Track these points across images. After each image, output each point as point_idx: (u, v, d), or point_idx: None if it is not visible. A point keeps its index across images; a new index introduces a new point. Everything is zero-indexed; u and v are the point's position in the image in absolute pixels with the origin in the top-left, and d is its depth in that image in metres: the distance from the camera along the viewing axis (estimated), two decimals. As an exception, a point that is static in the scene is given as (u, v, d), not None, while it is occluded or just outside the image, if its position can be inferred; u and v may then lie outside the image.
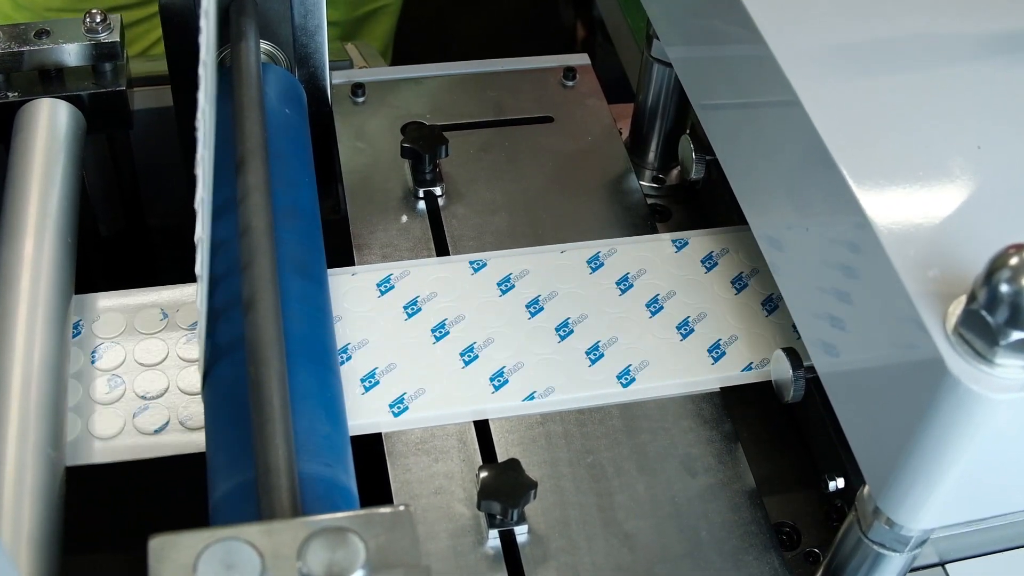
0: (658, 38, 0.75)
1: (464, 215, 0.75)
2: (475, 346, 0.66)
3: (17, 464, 0.54)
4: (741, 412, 0.67)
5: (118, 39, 0.74)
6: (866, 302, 0.51)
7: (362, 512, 0.43)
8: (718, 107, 0.66)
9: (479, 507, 0.58)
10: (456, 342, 0.66)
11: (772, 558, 0.59)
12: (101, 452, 0.61)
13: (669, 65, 0.76)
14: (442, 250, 0.73)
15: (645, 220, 0.76)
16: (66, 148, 0.71)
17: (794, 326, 0.68)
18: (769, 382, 0.65)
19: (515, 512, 0.58)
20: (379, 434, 0.63)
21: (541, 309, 0.69)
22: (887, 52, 0.58)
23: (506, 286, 0.70)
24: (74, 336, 0.66)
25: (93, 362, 0.65)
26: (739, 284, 0.71)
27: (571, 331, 0.68)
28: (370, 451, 0.62)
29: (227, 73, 0.68)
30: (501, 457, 0.62)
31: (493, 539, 0.59)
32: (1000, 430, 0.45)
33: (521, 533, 0.59)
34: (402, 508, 0.43)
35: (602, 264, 0.71)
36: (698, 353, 0.67)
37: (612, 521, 0.60)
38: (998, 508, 0.52)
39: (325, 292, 0.64)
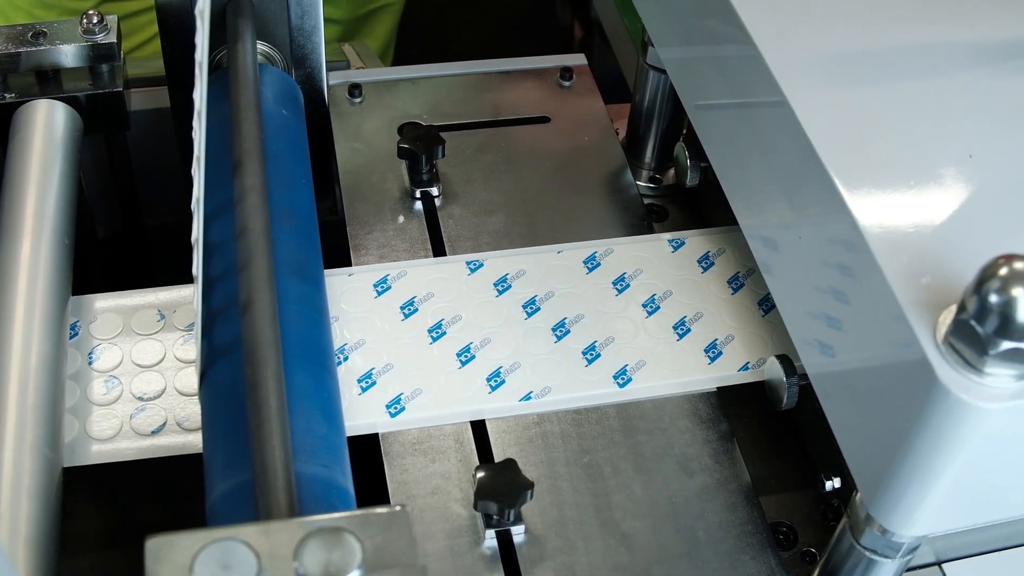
0: (653, 45, 0.75)
1: (461, 215, 0.75)
2: (472, 346, 0.66)
3: (14, 465, 0.54)
4: (738, 412, 0.67)
5: (115, 40, 0.74)
6: (857, 310, 0.51)
7: (358, 512, 0.43)
8: (711, 114, 0.66)
9: (476, 507, 0.58)
10: (453, 342, 0.67)
11: (769, 558, 0.59)
12: (98, 453, 0.61)
13: (664, 71, 0.77)
14: (439, 251, 0.73)
15: (642, 220, 0.76)
16: (63, 149, 0.71)
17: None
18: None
19: (512, 512, 0.58)
20: (376, 435, 0.63)
21: (538, 309, 0.69)
22: (879, 60, 0.58)
23: (503, 286, 0.70)
24: (71, 337, 0.66)
25: (90, 363, 0.65)
26: (735, 284, 0.71)
27: (568, 331, 0.68)
28: (367, 451, 0.62)
29: (224, 74, 0.68)
30: (498, 457, 0.62)
31: (490, 539, 0.59)
32: (990, 439, 0.46)
33: (518, 533, 0.59)
34: (399, 508, 0.43)
35: (599, 264, 0.71)
36: (695, 353, 0.67)
37: (609, 521, 0.60)
38: (989, 515, 0.52)
39: (322, 293, 0.64)
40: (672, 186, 0.82)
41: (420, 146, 0.75)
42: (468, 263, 0.71)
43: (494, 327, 0.67)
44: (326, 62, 0.77)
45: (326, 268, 0.67)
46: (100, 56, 0.74)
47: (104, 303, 0.68)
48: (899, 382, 0.48)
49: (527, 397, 0.64)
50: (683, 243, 0.73)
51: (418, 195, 0.76)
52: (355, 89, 0.83)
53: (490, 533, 0.59)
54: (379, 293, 0.69)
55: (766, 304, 0.70)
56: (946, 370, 0.45)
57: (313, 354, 0.59)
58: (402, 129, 0.79)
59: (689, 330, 0.68)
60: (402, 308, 0.68)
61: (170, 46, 0.74)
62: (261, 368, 0.51)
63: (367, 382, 0.64)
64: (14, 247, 0.63)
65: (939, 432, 0.46)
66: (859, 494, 0.53)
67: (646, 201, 0.80)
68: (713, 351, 0.67)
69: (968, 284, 0.44)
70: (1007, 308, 0.43)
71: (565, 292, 0.70)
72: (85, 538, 0.69)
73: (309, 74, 0.77)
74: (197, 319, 0.55)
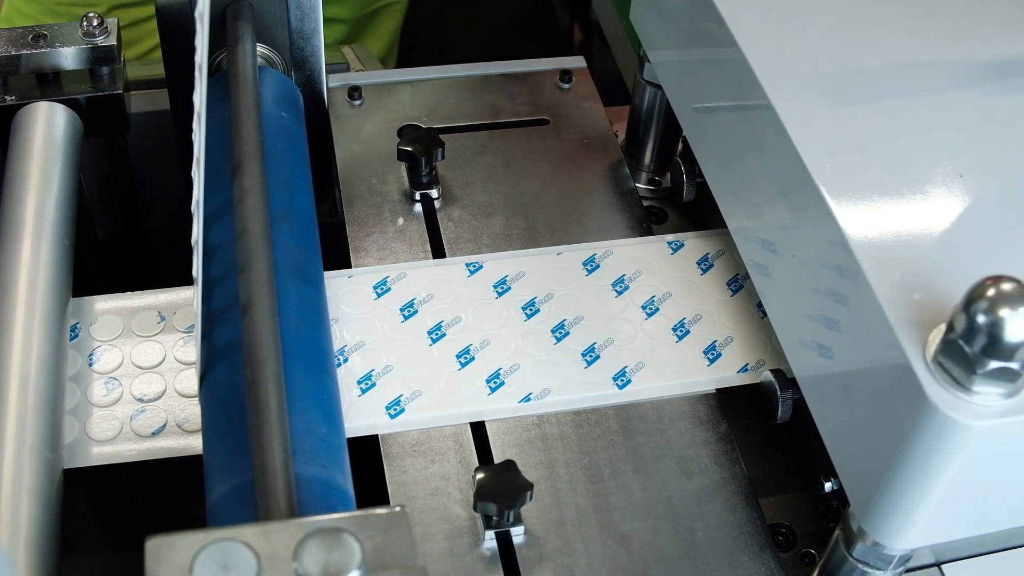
0: (649, 61, 0.76)
1: (460, 217, 0.75)
2: (471, 348, 0.66)
3: (15, 466, 0.54)
4: (737, 413, 0.67)
5: (115, 43, 0.74)
6: (847, 328, 0.52)
7: (358, 513, 0.43)
8: (705, 128, 0.67)
9: (475, 508, 0.58)
10: (452, 344, 0.67)
11: (768, 559, 0.59)
12: (98, 455, 0.61)
13: (661, 87, 0.77)
14: (438, 252, 0.73)
15: (641, 222, 0.76)
16: (63, 151, 0.71)
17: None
18: (757, 385, 0.65)
19: (511, 513, 0.58)
20: (376, 436, 0.63)
21: (537, 311, 0.69)
22: (870, 77, 0.59)
23: (502, 288, 0.70)
24: (71, 339, 0.66)
25: (90, 365, 0.65)
26: (735, 286, 0.71)
27: (567, 333, 0.68)
28: (367, 453, 0.62)
29: (224, 76, 0.68)
30: (497, 458, 0.62)
31: (489, 540, 0.59)
32: (978, 455, 0.47)
33: (517, 534, 0.59)
34: (398, 509, 0.43)
35: (598, 266, 0.71)
36: (694, 355, 0.67)
37: (608, 522, 0.60)
38: (978, 529, 0.53)
39: (322, 295, 0.64)
40: (671, 188, 0.83)
41: (419, 148, 0.75)
42: (468, 265, 0.71)
43: (493, 329, 0.68)
44: (326, 65, 0.78)
45: (326, 270, 0.67)
46: (100, 59, 0.74)
47: (104, 305, 0.68)
48: (889, 399, 0.48)
49: (526, 399, 0.64)
50: (682, 245, 0.73)
51: (417, 197, 0.76)
52: (355, 91, 0.83)
53: (490, 534, 0.59)
54: (379, 295, 0.69)
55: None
56: (935, 388, 0.46)
57: (313, 355, 0.59)
58: (401, 131, 0.80)
59: (688, 332, 0.68)
60: (402, 310, 0.68)
61: (170, 49, 0.74)
62: (261, 369, 0.51)
63: (367, 383, 0.64)
64: (14, 249, 0.64)
65: (928, 449, 0.47)
66: (851, 507, 0.54)
67: (645, 203, 0.80)
68: (712, 353, 0.67)
69: (956, 305, 0.45)
70: (994, 328, 0.44)
71: (564, 294, 0.70)
72: (85, 539, 0.69)
73: (309, 76, 0.77)
74: (197, 321, 0.55)
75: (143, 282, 0.71)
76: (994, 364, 0.44)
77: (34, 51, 0.73)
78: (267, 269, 0.55)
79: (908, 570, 0.58)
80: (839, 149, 0.55)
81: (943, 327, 0.46)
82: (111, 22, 0.75)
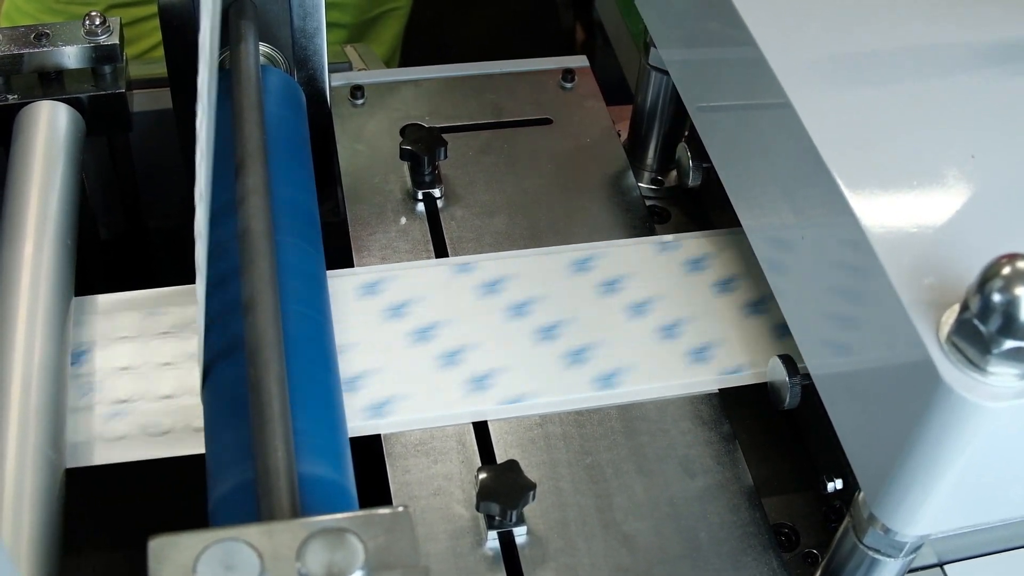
0: (655, 46, 0.75)
1: (463, 217, 0.75)
2: (459, 350, 0.66)
3: (17, 466, 0.54)
4: (740, 413, 0.67)
5: (117, 42, 0.74)
6: (861, 310, 0.52)
7: (361, 513, 0.43)
8: (714, 114, 0.66)
9: (478, 508, 0.58)
10: (440, 345, 0.66)
11: (771, 559, 0.59)
12: (101, 454, 0.61)
13: (666, 72, 0.77)
14: (441, 252, 0.73)
15: (644, 222, 0.76)
16: (66, 150, 0.71)
17: (777, 329, 0.68)
18: (765, 384, 0.65)
19: (514, 513, 0.58)
20: (378, 435, 0.63)
21: (525, 313, 0.68)
22: (882, 61, 0.58)
23: (490, 289, 0.69)
24: (75, 356, 0.65)
25: (93, 364, 0.65)
26: (724, 288, 0.71)
27: (555, 335, 0.67)
28: (369, 452, 0.62)
29: (226, 75, 0.68)
30: (500, 458, 0.62)
31: (492, 540, 0.59)
32: (993, 438, 0.46)
33: (520, 534, 0.59)
34: (401, 509, 0.43)
35: (587, 268, 0.71)
36: (682, 357, 0.67)
37: (611, 522, 0.60)
38: (992, 515, 0.52)
39: (324, 294, 0.64)
40: (674, 187, 0.83)
41: (422, 147, 0.75)
42: (457, 266, 0.71)
43: (481, 330, 0.67)
44: (328, 64, 0.78)
45: (328, 269, 0.67)
46: (103, 57, 0.74)
47: (107, 304, 0.68)
48: (902, 381, 0.48)
49: (511, 401, 0.64)
50: (672, 246, 0.73)
51: (420, 196, 0.76)
52: (357, 91, 0.83)
53: (492, 534, 0.59)
54: (367, 296, 0.68)
55: (753, 308, 0.70)
56: (949, 369, 0.45)
57: (316, 355, 0.59)
58: (404, 130, 0.79)
59: (676, 334, 0.68)
60: (390, 311, 0.68)
61: (172, 47, 0.74)
62: (264, 369, 0.51)
63: (353, 385, 0.64)
64: (17, 248, 0.64)
65: (942, 431, 0.46)
66: (862, 493, 0.53)
67: (648, 203, 0.80)
68: (700, 355, 0.67)
69: (971, 284, 0.44)
70: (1010, 307, 0.43)
71: (553, 296, 0.69)
72: (88, 538, 0.69)
73: (311, 76, 0.77)
74: (200, 312, 0.55)
75: (146, 281, 0.71)
76: (1010, 344, 0.43)
77: (36, 50, 0.73)
78: (270, 268, 0.55)
79: (911, 570, 0.58)
80: (851, 133, 0.55)
81: (957, 307, 0.45)
82: (113, 21, 0.75)
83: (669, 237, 0.74)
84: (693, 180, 0.75)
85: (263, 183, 0.58)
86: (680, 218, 0.80)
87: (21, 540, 0.52)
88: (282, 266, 0.59)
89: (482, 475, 0.58)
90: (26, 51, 0.73)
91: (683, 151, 0.75)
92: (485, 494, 0.57)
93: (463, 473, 0.61)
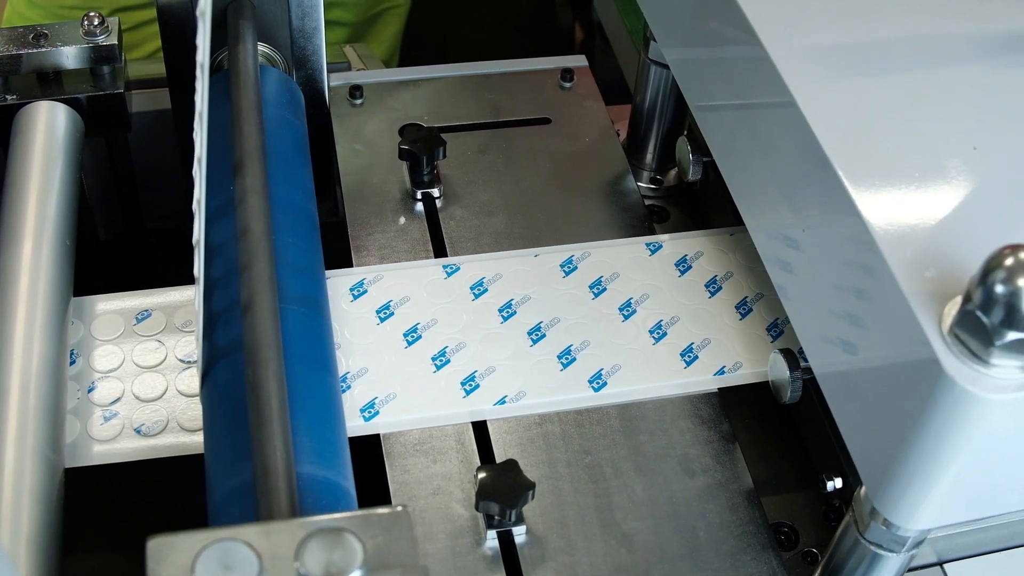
0: (655, 40, 0.75)
1: (462, 217, 0.75)
2: (447, 350, 0.66)
3: (16, 466, 0.54)
4: (739, 412, 0.67)
5: (116, 42, 0.74)
6: (863, 303, 0.51)
7: (360, 513, 0.43)
8: (714, 108, 0.66)
9: (477, 508, 0.58)
10: (428, 346, 0.66)
11: (770, 558, 0.59)
12: (99, 454, 0.61)
13: (666, 67, 0.76)
14: (440, 252, 0.73)
15: (643, 221, 0.76)
16: (64, 151, 0.71)
17: (768, 329, 0.68)
18: (766, 383, 0.65)
19: (513, 513, 0.58)
20: (378, 435, 0.63)
21: (514, 313, 0.68)
22: (883, 53, 0.58)
23: (479, 290, 0.69)
24: (72, 338, 0.66)
25: (91, 364, 0.65)
26: (713, 288, 0.71)
27: (543, 335, 0.67)
28: (368, 452, 0.62)
29: (225, 76, 0.68)
30: (499, 458, 0.62)
31: (491, 540, 0.59)
32: (996, 430, 0.46)
33: (519, 534, 0.59)
34: (400, 508, 0.43)
35: (575, 268, 0.71)
36: (670, 357, 0.67)
37: (610, 522, 0.60)
38: (995, 508, 0.52)
39: (323, 294, 0.64)
40: (673, 187, 0.82)
41: (421, 147, 0.75)
42: (444, 267, 0.71)
43: (469, 331, 0.67)
44: (327, 64, 0.78)
45: (327, 269, 0.67)
46: (101, 58, 0.74)
47: (105, 304, 0.68)
48: (904, 374, 0.47)
49: (501, 401, 0.64)
50: (660, 247, 0.73)
51: (419, 196, 0.76)
52: (356, 91, 0.83)
53: (491, 534, 0.59)
54: (355, 297, 0.68)
55: (743, 308, 0.70)
56: (952, 361, 0.45)
57: (314, 355, 0.59)
58: (403, 130, 0.80)
59: (665, 334, 0.68)
60: (378, 312, 0.68)
61: (171, 48, 0.74)
62: (262, 369, 0.51)
63: (342, 386, 0.64)
64: (16, 249, 0.64)
65: (945, 424, 0.46)
66: (863, 488, 0.53)
67: (647, 202, 0.80)
68: (689, 355, 0.67)
69: (973, 275, 0.44)
70: (1013, 298, 0.42)
71: (541, 296, 0.69)
72: (87, 538, 0.69)
73: (310, 76, 0.77)
74: (198, 320, 0.55)
75: (144, 281, 0.71)
76: (1013, 335, 0.43)
77: (35, 50, 0.73)
78: (268, 268, 0.55)
79: (911, 569, 0.58)
80: (853, 125, 0.54)
81: (959, 299, 0.45)
82: (112, 21, 0.75)
83: (667, 236, 0.74)
84: (693, 174, 0.75)
85: (262, 183, 0.58)
86: (679, 217, 0.80)
87: (20, 540, 0.52)
88: (281, 266, 0.59)
89: (481, 475, 0.58)
90: (25, 51, 0.73)
91: (683, 144, 0.75)
92: (484, 494, 0.57)
93: (462, 473, 0.61)
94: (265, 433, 0.49)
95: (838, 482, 0.61)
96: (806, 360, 0.61)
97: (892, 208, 0.51)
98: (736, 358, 0.67)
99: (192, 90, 0.54)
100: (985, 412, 0.45)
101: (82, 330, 0.66)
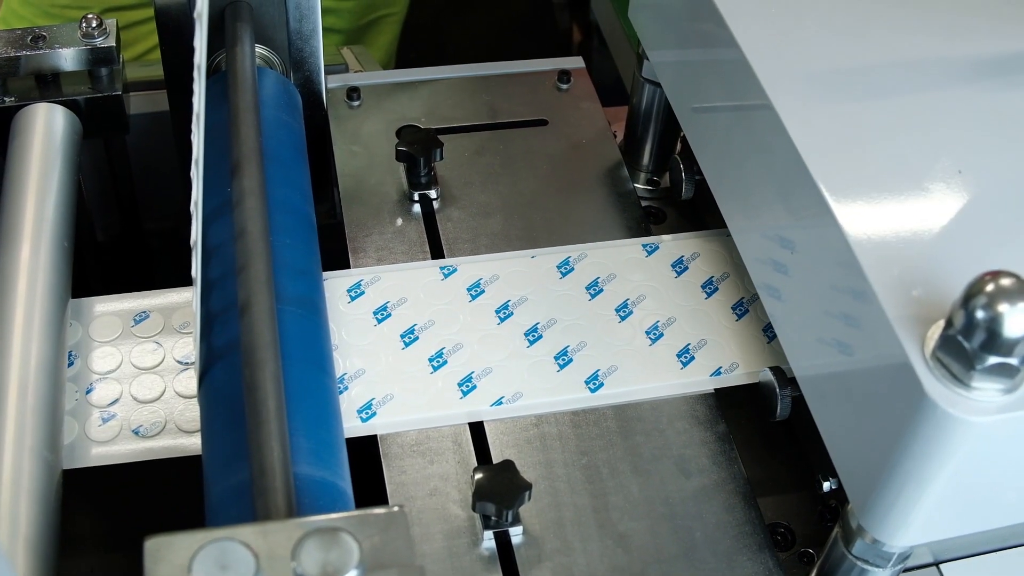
0: (647, 59, 0.76)
1: (459, 218, 0.75)
2: (444, 351, 0.66)
3: (14, 467, 0.54)
4: (735, 413, 0.67)
5: (114, 44, 0.74)
6: (847, 324, 0.52)
7: (356, 513, 0.43)
8: (704, 125, 0.67)
9: (474, 508, 0.58)
10: (425, 347, 0.66)
11: (766, 558, 0.59)
12: (97, 455, 0.62)
13: (660, 85, 0.77)
14: (437, 253, 0.73)
15: (639, 223, 0.76)
16: (62, 153, 0.71)
17: (764, 330, 0.68)
18: (755, 384, 0.65)
19: (510, 513, 0.58)
20: (375, 436, 0.63)
21: (510, 314, 0.68)
22: (869, 73, 0.59)
23: (476, 291, 0.70)
24: (70, 340, 0.66)
25: (89, 366, 0.65)
26: (709, 289, 0.71)
27: (540, 336, 0.68)
28: (365, 453, 0.62)
29: (222, 77, 0.68)
30: (496, 459, 0.62)
31: (488, 540, 0.59)
32: (977, 451, 0.47)
33: (516, 534, 0.59)
34: (396, 509, 0.43)
35: (572, 269, 0.71)
36: (667, 358, 0.67)
37: (607, 522, 0.60)
38: (977, 525, 0.53)
39: (320, 295, 0.64)
40: (670, 188, 0.83)
41: (418, 149, 0.75)
42: (442, 268, 0.71)
43: (466, 332, 0.67)
44: (324, 66, 0.78)
45: (325, 271, 0.67)
46: (99, 60, 0.74)
47: (103, 306, 0.68)
48: (888, 395, 0.48)
49: (498, 402, 0.64)
50: (657, 248, 0.73)
51: (416, 198, 0.76)
52: (353, 92, 0.83)
53: (488, 534, 0.59)
54: (352, 298, 0.69)
55: (739, 309, 0.70)
56: (934, 384, 0.46)
57: (311, 356, 0.59)
58: (400, 132, 0.80)
59: (662, 335, 0.68)
60: (375, 313, 0.68)
61: (169, 49, 0.74)
62: (259, 370, 0.51)
63: (339, 387, 0.64)
64: (14, 250, 0.64)
65: (927, 445, 0.47)
66: (850, 505, 0.54)
67: (644, 203, 0.80)
68: (685, 356, 0.67)
69: (955, 300, 0.45)
70: (993, 324, 0.44)
71: (538, 297, 0.69)
72: (84, 539, 0.69)
73: (307, 77, 0.77)
74: (196, 321, 0.55)
75: (142, 283, 0.71)
76: (993, 360, 0.44)
77: (33, 52, 0.73)
78: (266, 270, 0.55)
79: (906, 569, 0.58)
80: (838, 146, 0.55)
81: (942, 323, 0.46)
82: (110, 23, 0.75)
83: (664, 238, 0.74)
84: (686, 193, 0.75)
85: (259, 185, 0.58)
86: (676, 219, 0.81)
87: (18, 541, 0.52)
88: (278, 267, 0.60)
89: (478, 475, 0.58)
90: (23, 54, 0.73)
91: (677, 163, 0.75)
92: (481, 494, 0.58)
93: (459, 473, 0.62)
94: (262, 433, 0.49)
95: (834, 482, 0.61)
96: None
97: (876, 229, 0.51)
98: (732, 359, 0.67)
99: (190, 92, 0.54)
100: (966, 434, 0.46)
101: (80, 331, 0.67)
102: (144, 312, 0.68)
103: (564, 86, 0.85)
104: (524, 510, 0.60)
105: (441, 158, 0.76)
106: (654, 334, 0.68)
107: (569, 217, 0.76)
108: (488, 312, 0.69)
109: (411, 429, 0.63)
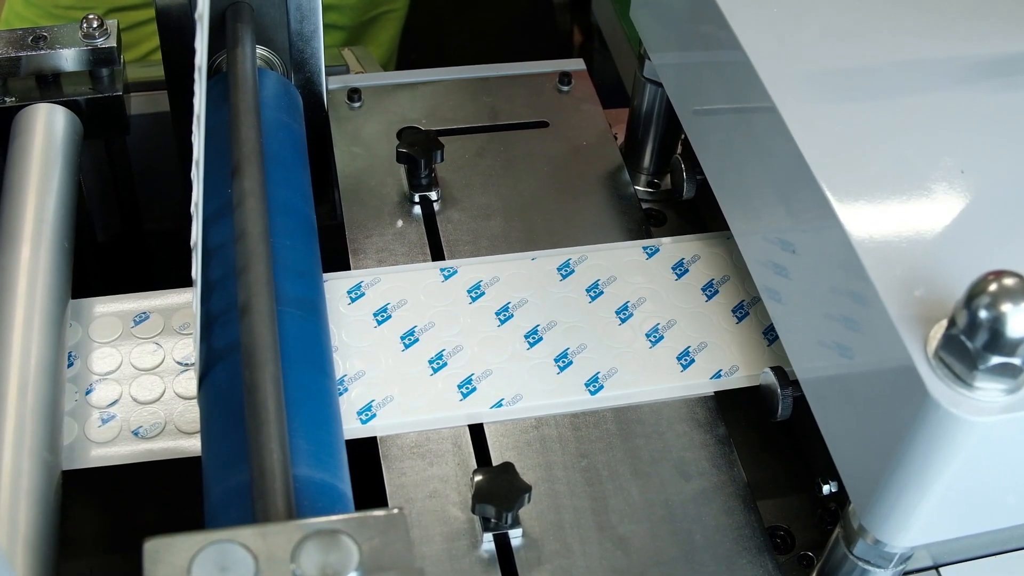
0: (649, 59, 0.76)
1: (459, 220, 0.75)
2: (444, 353, 0.66)
3: (13, 468, 0.54)
4: (735, 416, 0.67)
5: (115, 44, 0.74)
6: (850, 324, 0.52)
7: (356, 515, 0.43)
8: (706, 127, 0.67)
9: (474, 511, 0.58)
10: (425, 349, 0.66)
11: (766, 561, 0.59)
12: (97, 456, 0.62)
13: (661, 84, 0.77)
14: (437, 255, 0.73)
15: (640, 225, 0.76)
16: (63, 153, 0.71)
17: (764, 333, 0.68)
18: (755, 387, 0.65)
19: (509, 516, 0.58)
20: (374, 438, 0.63)
21: (511, 316, 0.68)
22: (871, 74, 0.59)
23: (476, 293, 0.70)
24: (70, 340, 0.66)
25: (89, 366, 0.65)
26: (709, 291, 0.71)
27: (540, 338, 0.67)
28: (365, 454, 0.62)
29: (223, 78, 0.68)
30: (496, 461, 0.62)
31: (487, 543, 0.59)
32: (980, 451, 0.47)
33: (515, 537, 0.59)
34: (396, 511, 0.43)
35: (572, 271, 0.71)
36: (667, 360, 0.67)
37: (606, 525, 0.60)
38: (980, 526, 0.53)
39: (321, 297, 0.64)
40: (671, 191, 0.83)
41: (419, 150, 0.75)
42: (442, 270, 0.71)
43: (467, 334, 0.67)
44: (325, 67, 0.78)
45: (325, 272, 0.67)
46: (100, 60, 0.74)
47: (103, 307, 0.68)
48: (890, 395, 0.48)
49: (498, 404, 0.64)
50: (657, 250, 0.73)
51: (417, 199, 0.76)
52: (354, 94, 0.83)
53: (488, 536, 0.59)
54: (352, 300, 0.69)
55: (739, 312, 0.70)
56: (936, 384, 0.46)
57: (311, 357, 0.59)
58: (401, 133, 0.80)
59: (662, 337, 0.68)
60: (375, 315, 0.68)
61: (170, 50, 0.74)
62: (259, 371, 0.51)
63: (339, 388, 0.64)
64: (14, 251, 0.64)
65: (930, 445, 0.47)
66: (851, 505, 0.54)
67: (644, 206, 0.80)
68: (686, 359, 0.67)
69: (958, 300, 0.45)
70: (996, 323, 0.43)
71: (538, 299, 0.69)
72: (84, 540, 0.69)
73: (308, 79, 0.78)
74: (196, 322, 0.55)
75: (142, 284, 0.71)
76: (996, 360, 0.44)
77: (34, 53, 0.73)
78: (266, 271, 0.55)
79: (906, 572, 0.58)
80: (841, 147, 0.55)
81: (944, 323, 0.46)
82: (111, 24, 0.75)
83: (664, 240, 0.74)
84: (687, 193, 0.75)
85: (259, 186, 0.58)
86: (676, 221, 0.81)
87: (17, 541, 0.52)
88: (278, 269, 0.60)
89: (478, 477, 0.58)
90: (24, 54, 0.73)
91: (678, 164, 0.75)
92: (481, 496, 0.58)
93: (459, 475, 0.61)
94: (262, 435, 0.49)
95: (834, 485, 0.61)
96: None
97: (879, 230, 0.51)
98: (732, 362, 0.67)
99: (191, 93, 0.54)
100: (969, 434, 0.46)
101: (80, 332, 0.66)
102: (144, 313, 0.68)
103: (565, 88, 0.85)
104: (524, 512, 0.60)
105: (442, 160, 0.76)
106: (654, 336, 0.68)
107: (570, 219, 0.76)
108: (488, 314, 0.68)
109: (411, 431, 0.63)
